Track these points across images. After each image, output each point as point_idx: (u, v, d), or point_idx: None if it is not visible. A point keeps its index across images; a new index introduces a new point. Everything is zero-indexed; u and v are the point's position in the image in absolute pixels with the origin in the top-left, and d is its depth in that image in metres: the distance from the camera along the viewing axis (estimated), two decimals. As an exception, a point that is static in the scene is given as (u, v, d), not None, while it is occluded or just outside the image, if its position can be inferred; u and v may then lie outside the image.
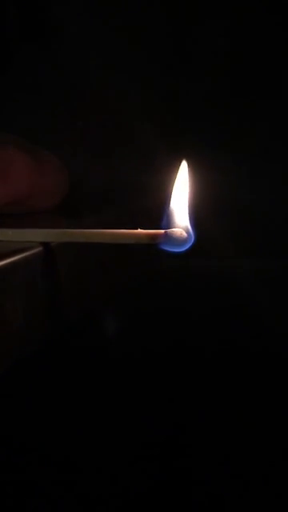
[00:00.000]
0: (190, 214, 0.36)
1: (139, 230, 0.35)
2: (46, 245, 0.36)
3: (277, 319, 0.60)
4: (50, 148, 0.50)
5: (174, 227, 0.35)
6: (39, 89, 0.61)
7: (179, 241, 0.34)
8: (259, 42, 0.63)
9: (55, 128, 0.54)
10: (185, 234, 0.35)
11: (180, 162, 0.37)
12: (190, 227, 0.35)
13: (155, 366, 0.63)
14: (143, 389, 0.62)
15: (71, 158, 0.52)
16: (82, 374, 0.62)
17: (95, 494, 0.62)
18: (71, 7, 0.61)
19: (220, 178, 0.57)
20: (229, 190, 0.59)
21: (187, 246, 0.35)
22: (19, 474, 0.62)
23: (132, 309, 0.62)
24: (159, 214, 0.37)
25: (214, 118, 0.62)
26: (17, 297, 0.34)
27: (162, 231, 0.34)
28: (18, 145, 0.46)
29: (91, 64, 0.60)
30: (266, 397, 0.62)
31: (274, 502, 0.62)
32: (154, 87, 0.61)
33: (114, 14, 0.61)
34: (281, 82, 0.63)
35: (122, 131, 0.57)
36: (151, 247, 0.35)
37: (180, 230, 0.35)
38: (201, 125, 0.62)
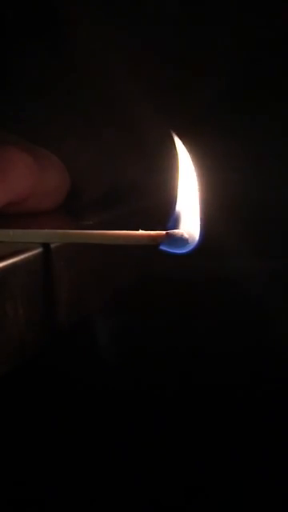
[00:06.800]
0: (199, 213, 0.35)
1: (140, 231, 0.35)
2: (46, 246, 0.36)
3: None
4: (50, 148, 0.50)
5: (178, 228, 0.35)
6: (41, 87, 0.60)
7: (180, 242, 0.34)
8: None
9: (57, 128, 0.54)
10: (186, 236, 0.34)
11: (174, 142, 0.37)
12: (192, 229, 0.35)
13: (155, 367, 0.62)
14: (142, 389, 0.62)
15: (72, 158, 0.52)
16: (81, 375, 0.62)
17: (93, 500, 0.62)
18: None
19: (230, 177, 0.57)
20: (239, 188, 0.59)
21: (189, 248, 0.35)
22: (17, 478, 0.62)
23: (132, 310, 0.62)
24: (161, 215, 0.37)
25: (226, 115, 0.62)
26: (17, 297, 0.34)
27: (164, 232, 0.34)
28: (19, 145, 0.46)
29: (96, 61, 0.59)
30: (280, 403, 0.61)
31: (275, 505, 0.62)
32: (161, 84, 0.61)
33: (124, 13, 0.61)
34: None
35: (127, 131, 0.57)
36: (152, 248, 0.35)
37: (182, 231, 0.34)
38: (210, 122, 0.62)
